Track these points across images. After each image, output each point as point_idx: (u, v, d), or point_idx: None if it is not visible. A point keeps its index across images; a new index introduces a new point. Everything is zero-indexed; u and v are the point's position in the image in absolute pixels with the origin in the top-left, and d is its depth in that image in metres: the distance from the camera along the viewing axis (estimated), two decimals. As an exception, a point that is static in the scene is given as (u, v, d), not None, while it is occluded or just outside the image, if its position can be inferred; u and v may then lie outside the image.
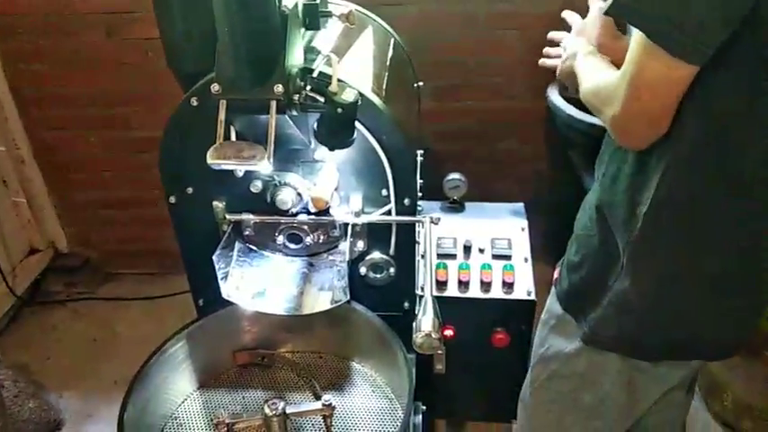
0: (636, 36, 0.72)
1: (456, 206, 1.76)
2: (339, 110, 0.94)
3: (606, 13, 0.74)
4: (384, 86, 1.27)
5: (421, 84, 1.58)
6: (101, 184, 2.32)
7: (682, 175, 0.78)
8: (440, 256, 1.56)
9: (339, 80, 1.00)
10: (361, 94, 1.04)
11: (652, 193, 0.80)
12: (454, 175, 1.75)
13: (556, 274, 1.09)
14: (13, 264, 2.27)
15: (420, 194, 1.41)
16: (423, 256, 1.21)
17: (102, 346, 2.16)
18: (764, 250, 0.82)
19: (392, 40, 1.53)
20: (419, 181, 1.42)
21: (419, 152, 1.55)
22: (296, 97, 0.93)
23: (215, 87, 0.88)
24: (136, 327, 2.21)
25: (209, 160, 0.85)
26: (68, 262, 2.43)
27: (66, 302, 2.35)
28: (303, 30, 1.08)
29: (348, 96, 0.95)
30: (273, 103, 0.90)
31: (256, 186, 1.13)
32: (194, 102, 1.08)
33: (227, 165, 0.86)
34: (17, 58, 2.08)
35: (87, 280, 2.42)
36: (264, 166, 0.86)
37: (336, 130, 0.98)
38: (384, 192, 1.16)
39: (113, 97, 2.13)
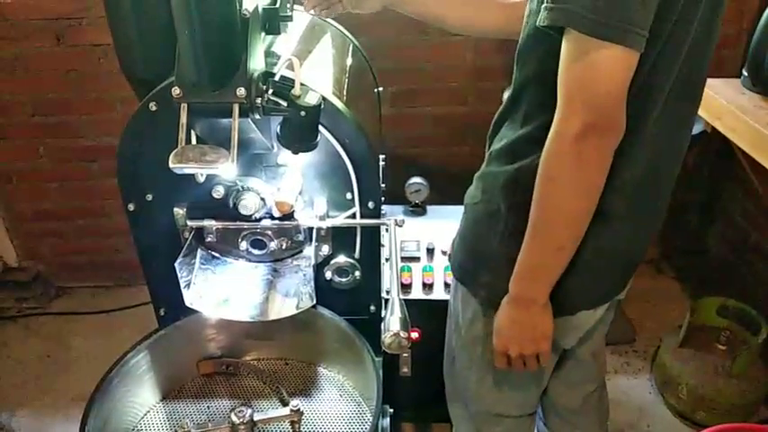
0: (572, 51, 0.75)
1: (418, 209, 1.79)
2: (302, 113, 0.94)
3: (544, 27, 0.77)
4: (345, 91, 1.27)
5: (381, 89, 1.59)
6: (49, 195, 2.24)
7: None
8: (404, 259, 1.58)
9: (302, 84, 1.00)
10: (323, 98, 1.05)
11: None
12: (416, 179, 1.77)
13: (449, 250, 1.13)
14: (-41, 280, 2.18)
15: (383, 199, 1.42)
16: (387, 259, 1.22)
17: (56, 362, 2.08)
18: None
19: (351, 46, 1.54)
20: (382, 186, 1.43)
21: (381, 157, 1.56)
22: (258, 100, 0.93)
23: (176, 91, 0.87)
24: (91, 341, 2.14)
25: (171, 164, 0.84)
26: (18, 276, 2.34)
27: (17, 318, 2.26)
28: (263, 34, 1.08)
29: (311, 99, 0.95)
30: (236, 107, 0.89)
31: (218, 192, 1.11)
32: (153, 107, 1.05)
33: (189, 168, 0.85)
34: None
35: (38, 294, 2.33)
36: (228, 169, 0.85)
37: (300, 133, 0.98)
38: (348, 195, 1.17)
39: (60, 105, 2.07)
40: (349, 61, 1.46)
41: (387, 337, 0.95)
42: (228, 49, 0.89)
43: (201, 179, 1.06)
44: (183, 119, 0.88)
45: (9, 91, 2.03)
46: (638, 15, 0.72)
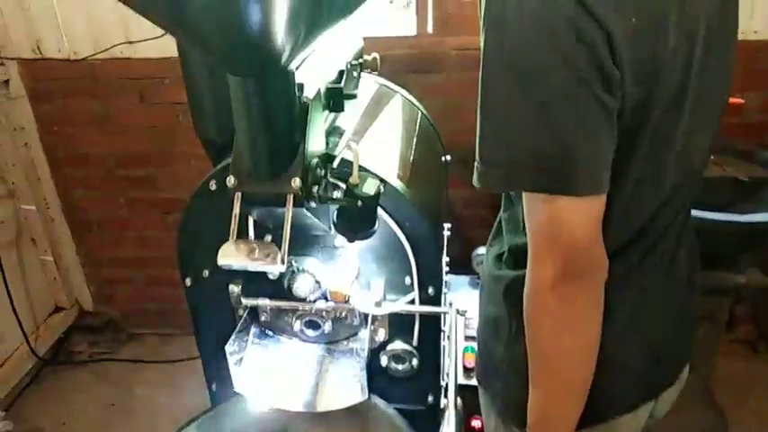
0: (525, 203, 0.68)
1: (485, 281, 1.69)
2: (359, 203, 0.90)
3: (487, 187, 0.69)
4: (410, 164, 1.22)
5: (448, 158, 1.53)
6: (126, 244, 2.32)
7: None
8: (467, 338, 1.48)
9: (361, 167, 0.96)
10: (383, 181, 1.00)
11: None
12: (483, 250, 1.68)
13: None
14: (38, 322, 2.27)
15: (447, 269, 1.35)
16: (447, 347, 1.14)
17: (121, 410, 2.11)
18: None
19: (419, 114, 1.50)
20: (445, 258, 1.36)
21: (447, 226, 1.49)
22: (315, 189, 0.89)
23: (230, 181, 0.84)
24: (155, 390, 2.16)
25: (220, 260, 0.81)
26: (92, 321, 2.42)
27: (88, 363, 2.32)
28: (326, 112, 1.05)
29: (369, 189, 0.90)
30: (290, 197, 0.85)
31: (273, 273, 1.08)
32: (212, 185, 1.05)
33: (237, 265, 0.81)
34: (52, 121, 2.12)
35: (110, 339, 2.40)
36: (277, 269, 0.81)
37: (356, 222, 0.93)
38: (407, 279, 1.10)
39: (141, 159, 2.15)
40: (415, 130, 1.42)
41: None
42: (286, 137, 0.85)
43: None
44: (236, 209, 0.85)
45: (95, 144, 2.14)
46: (584, 152, 0.62)
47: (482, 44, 0.64)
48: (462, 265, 1.70)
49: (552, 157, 0.62)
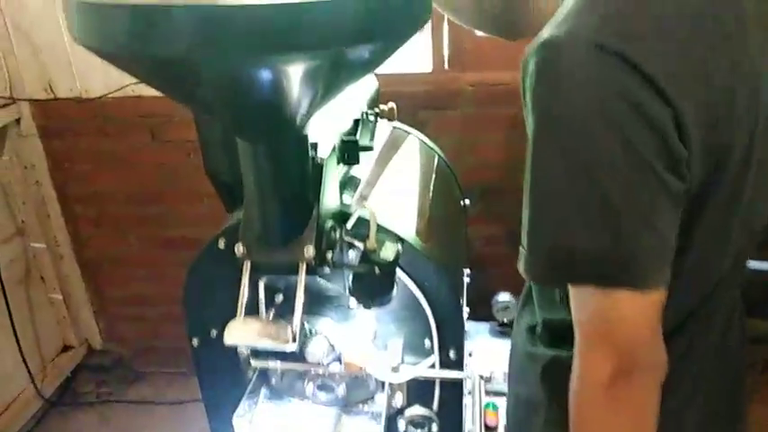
0: (574, 296, 0.60)
1: (506, 330, 1.61)
2: (377, 269, 0.84)
3: (534, 279, 0.63)
4: (428, 215, 1.17)
5: (467, 202, 1.48)
6: (136, 281, 2.28)
7: None
8: (488, 393, 1.41)
9: (378, 226, 0.91)
10: (401, 240, 0.94)
11: None
12: (503, 296, 1.62)
13: None
14: (45, 362, 2.22)
15: (467, 316, 1.28)
16: (469, 410, 1.07)
17: (125, 457, 2.05)
18: None
19: (435, 157, 1.44)
20: (465, 309, 1.30)
21: (466, 272, 1.43)
22: (329, 255, 0.83)
23: (239, 250, 0.79)
24: (162, 432, 2.10)
25: (227, 340, 0.75)
26: (101, 359, 2.37)
27: (94, 404, 2.27)
28: (341, 165, 1.00)
29: (388, 254, 0.84)
30: (303, 266, 0.80)
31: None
32: (221, 244, 0.99)
33: (246, 345, 0.76)
34: (63, 159, 2.10)
35: (118, 378, 2.35)
36: (289, 347, 0.75)
37: (374, 289, 0.87)
38: (427, 342, 1.04)
39: (152, 196, 2.11)
40: (432, 175, 1.37)
41: None
42: (299, 201, 0.80)
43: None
44: (245, 278, 0.79)
45: (106, 182, 2.11)
46: (646, 241, 0.56)
47: (530, 124, 0.58)
48: (481, 310, 1.63)
49: (610, 249, 0.56)
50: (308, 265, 0.80)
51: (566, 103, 0.54)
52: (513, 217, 2.19)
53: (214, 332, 1.08)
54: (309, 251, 0.78)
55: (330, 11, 0.54)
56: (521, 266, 0.62)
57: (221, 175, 1.11)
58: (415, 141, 1.42)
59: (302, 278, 0.79)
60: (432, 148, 1.45)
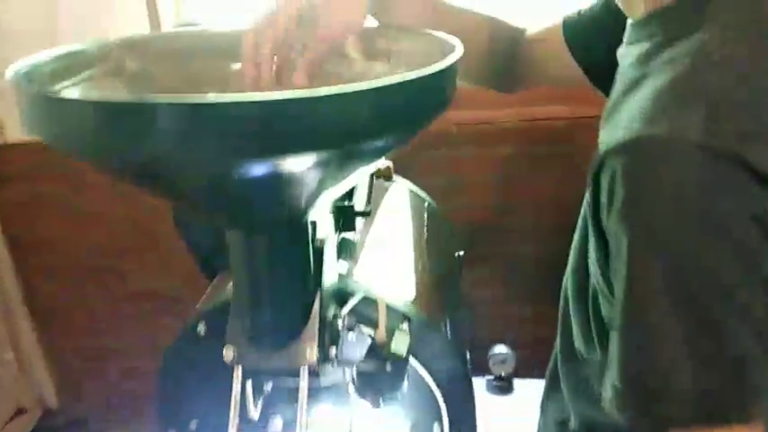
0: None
1: (503, 384, 1.52)
2: (388, 365, 0.73)
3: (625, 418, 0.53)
4: (426, 279, 1.07)
5: (462, 253, 1.39)
6: (93, 335, 2.11)
7: None
8: (491, 462, 1.31)
9: (388, 305, 0.81)
10: (408, 319, 0.84)
11: None
12: (500, 349, 1.53)
13: None
14: (-4, 431, 2.02)
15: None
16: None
17: None
18: None
19: (426, 208, 1.35)
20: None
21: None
22: (332, 351, 0.72)
23: (228, 355, 0.67)
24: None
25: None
26: (56, 421, 2.18)
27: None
28: (337, 234, 0.90)
29: (400, 347, 0.74)
30: (305, 369, 0.68)
31: (276, 427, 0.90)
32: (201, 330, 0.87)
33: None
34: (15, 206, 1.93)
35: (76, 441, 2.16)
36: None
37: (384, 385, 0.76)
38: (436, 427, 0.93)
39: (113, 247, 1.97)
40: (424, 230, 1.28)
41: None
42: (298, 294, 0.69)
43: (256, 415, 0.86)
44: (237, 387, 0.68)
45: (63, 231, 1.95)
46: (762, 371, 0.48)
47: (616, 235, 0.49)
48: (476, 363, 1.54)
49: (722, 383, 0.47)
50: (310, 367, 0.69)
51: (675, 215, 0.45)
52: (502, 258, 2.11)
53: (193, 424, 0.95)
54: (312, 353, 0.67)
55: (341, 107, 0.45)
56: (608, 401, 0.52)
57: (190, 234, 1.02)
58: (405, 192, 1.33)
59: (304, 385, 0.68)
60: (424, 199, 1.36)
